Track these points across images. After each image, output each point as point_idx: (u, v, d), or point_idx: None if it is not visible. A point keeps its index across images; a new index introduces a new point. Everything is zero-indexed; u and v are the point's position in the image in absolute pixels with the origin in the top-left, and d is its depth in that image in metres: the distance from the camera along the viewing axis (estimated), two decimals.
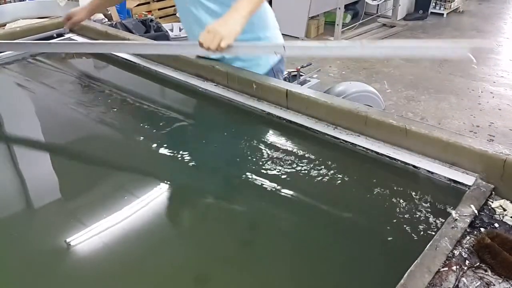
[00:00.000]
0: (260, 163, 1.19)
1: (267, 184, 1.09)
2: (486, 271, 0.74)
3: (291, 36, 5.18)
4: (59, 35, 2.04)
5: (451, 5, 6.10)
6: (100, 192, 1.05)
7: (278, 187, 1.08)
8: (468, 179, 0.98)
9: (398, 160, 1.08)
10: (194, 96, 1.52)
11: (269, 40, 1.53)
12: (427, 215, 0.94)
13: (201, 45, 1.24)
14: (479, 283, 0.71)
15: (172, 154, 1.26)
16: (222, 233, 0.93)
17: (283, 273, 0.82)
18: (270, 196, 1.04)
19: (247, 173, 1.15)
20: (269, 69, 1.58)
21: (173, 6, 4.65)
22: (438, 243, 0.77)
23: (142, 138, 1.32)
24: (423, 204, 0.98)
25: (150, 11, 4.56)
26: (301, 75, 2.88)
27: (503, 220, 0.86)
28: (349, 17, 5.69)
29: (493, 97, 3.72)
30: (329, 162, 1.20)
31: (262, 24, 1.51)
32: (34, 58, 1.83)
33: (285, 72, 2.86)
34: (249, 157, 1.23)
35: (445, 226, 0.82)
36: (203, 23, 1.37)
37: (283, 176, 1.13)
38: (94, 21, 2.03)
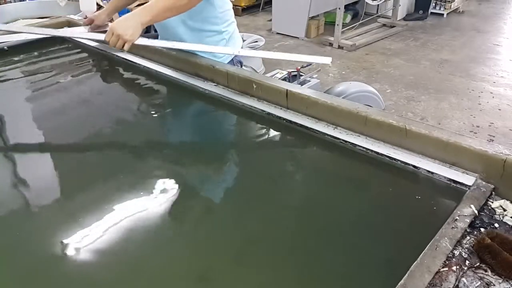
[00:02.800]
0: (260, 163, 1.19)
1: (267, 183, 1.09)
2: (486, 271, 0.74)
3: (291, 36, 5.19)
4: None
5: (451, 5, 6.10)
6: (99, 192, 1.05)
7: (278, 187, 1.08)
8: (468, 179, 0.98)
9: (398, 160, 1.08)
10: (194, 96, 1.52)
11: (228, 32, 1.67)
12: (427, 215, 0.94)
13: (107, 43, 1.36)
14: (479, 283, 0.71)
15: (171, 154, 1.26)
16: (221, 233, 0.93)
17: (282, 276, 0.82)
18: (269, 196, 1.04)
19: (247, 173, 1.15)
20: (231, 60, 1.73)
21: None
22: (438, 243, 0.77)
23: (141, 138, 1.32)
24: (423, 204, 0.98)
25: None
26: (301, 75, 2.88)
27: (503, 220, 0.86)
28: (349, 17, 5.69)
29: (493, 97, 3.72)
30: (329, 162, 1.20)
31: (225, 18, 1.64)
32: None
33: (285, 72, 2.86)
34: (249, 157, 1.23)
35: (445, 226, 0.82)
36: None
37: (283, 176, 1.13)
38: None
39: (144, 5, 1.35)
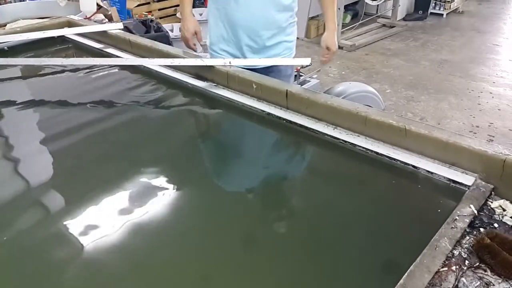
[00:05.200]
0: (260, 163, 1.19)
1: (267, 183, 1.10)
2: (485, 271, 0.74)
3: None
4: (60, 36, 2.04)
5: (450, 6, 6.10)
6: (102, 192, 1.05)
7: (278, 187, 1.08)
8: (467, 179, 0.98)
9: (398, 160, 1.08)
10: (194, 96, 1.52)
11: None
12: (426, 215, 0.94)
13: (324, 62, 1.67)
14: (478, 283, 0.71)
15: (171, 154, 1.27)
16: (222, 233, 0.93)
17: (282, 276, 0.82)
18: (269, 196, 1.05)
19: (247, 173, 1.15)
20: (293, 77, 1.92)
21: (173, 6, 4.64)
22: (437, 243, 0.77)
23: (142, 138, 1.32)
24: (423, 204, 0.98)
25: (150, 12, 4.56)
26: (301, 75, 2.88)
27: (503, 220, 0.86)
28: (349, 17, 5.69)
29: (493, 97, 3.72)
30: (329, 162, 1.20)
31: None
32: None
33: None
34: (249, 157, 1.23)
35: (444, 226, 0.82)
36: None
37: (282, 176, 1.13)
38: (95, 21, 2.02)
39: (332, 20, 1.65)
